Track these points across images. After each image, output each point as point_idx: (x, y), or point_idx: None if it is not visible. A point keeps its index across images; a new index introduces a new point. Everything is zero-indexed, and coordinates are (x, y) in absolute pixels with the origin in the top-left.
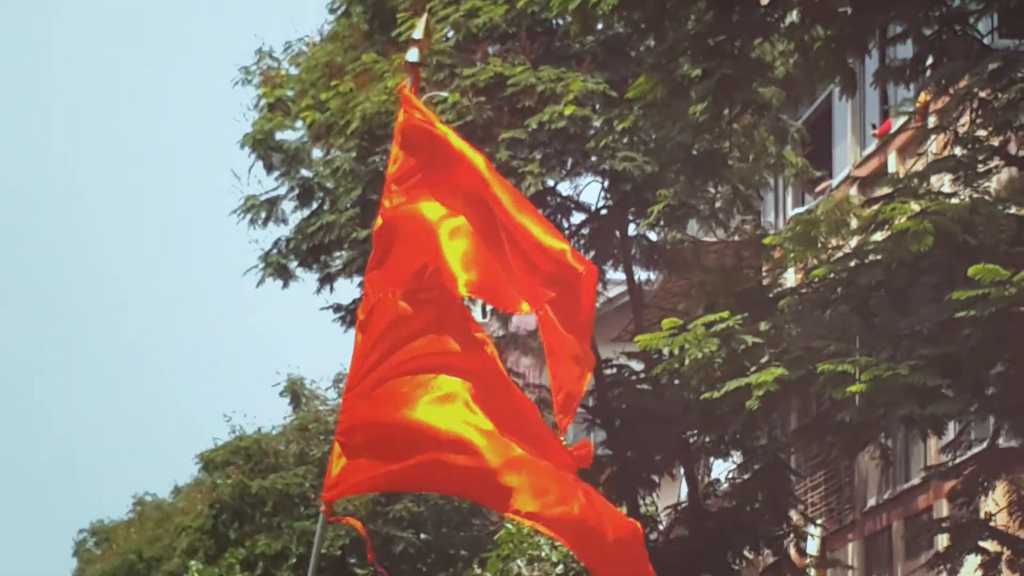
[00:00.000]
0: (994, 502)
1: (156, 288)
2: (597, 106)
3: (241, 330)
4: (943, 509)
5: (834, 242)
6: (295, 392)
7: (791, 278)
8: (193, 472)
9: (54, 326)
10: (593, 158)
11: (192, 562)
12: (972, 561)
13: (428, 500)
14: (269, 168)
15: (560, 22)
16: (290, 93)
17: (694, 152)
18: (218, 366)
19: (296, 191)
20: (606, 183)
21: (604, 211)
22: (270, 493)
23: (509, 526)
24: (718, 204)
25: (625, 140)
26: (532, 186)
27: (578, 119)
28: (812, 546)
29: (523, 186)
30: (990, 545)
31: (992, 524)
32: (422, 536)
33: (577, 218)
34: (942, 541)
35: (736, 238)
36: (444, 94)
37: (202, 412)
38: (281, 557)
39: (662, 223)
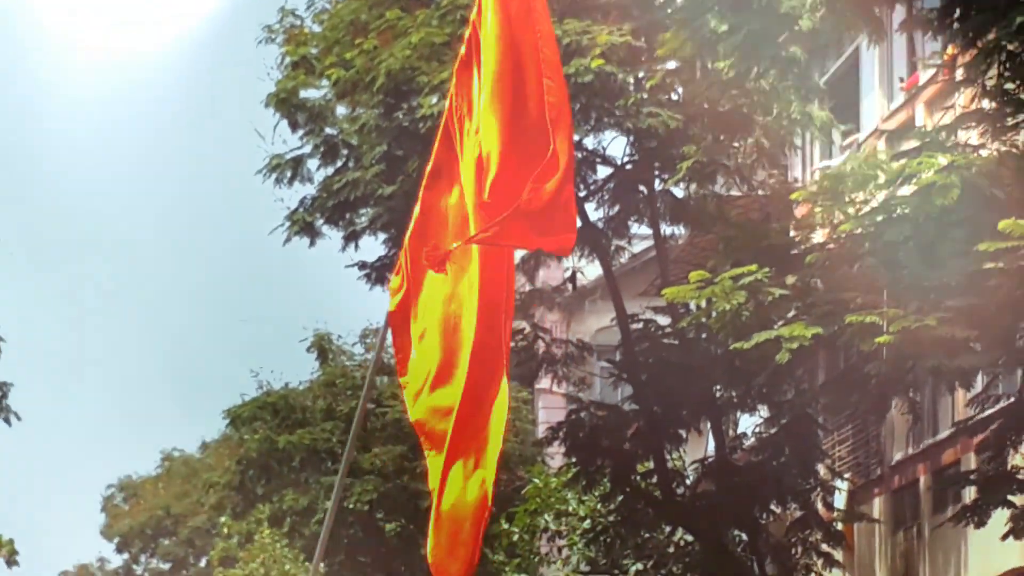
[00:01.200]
0: (1022, 456)
1: (183, 247)
2: (623, 57)
3: (268, 287)
4: (971, 463)
5: (861, 196)
6: (322, 348)
7: (819, 237)
8: (221, 428)
9: (81, 281)
10: (618, 113)
11: (223, 517)
12: (1000, 515)
13: None
14: (294, 127)
15: None
16: (314, 51)
17: (720, 108)
18: (246, 322)
19: (321, 149)
20: (631, 138)
21: (629, 166)
22: (297, 448)
23: (536, 481)
24: (743, 160)
25: (647, 96)
26: None
27: (604, 73)
28: (839, 500)
29: None
30: (1018, 499)
31: (1020, 477)
32: None
33: (603, 172)
34: (970, 494)
35: (761, 192)
36: None
37: (230, 368)
38: (308, 512)
39: (689, 179)
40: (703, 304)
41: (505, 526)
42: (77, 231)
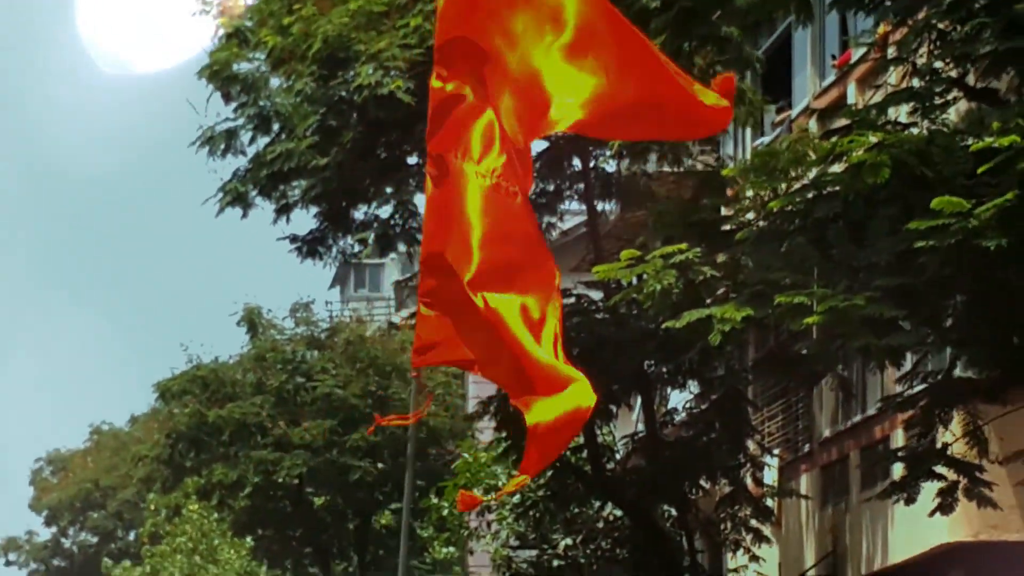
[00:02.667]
0: (951, 433)
1: (114, 218)
2: None
3: (199, 260)
4: (899, 439)
5: (793, 174)
6: (252, 322)
7: (751, 215)
8: (150, 401)
9: (9, 253)
10: None
11: (151, 495)
12: (928, 490)
13: (385, 430)
14: (227, 99)
15: None
16: (248, 24)
17: None
18: (176, 296)
19: (254, 121)
20: None
21: (562, 142)
22: (227, 422)
23: (466, 456)
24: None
25: None
26: None
27: None
28: (769, 476)
29: None
30: (947, 473)
31: (948, 454)
32: (379, 465)
33: (538, 145)
34: (898, 471)
35: (697, 167)
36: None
37: (159, 342)
38: (237, 486)
39: (624, 154)
40: (634, 281)
41: (434, 501)
42: (5, 207)
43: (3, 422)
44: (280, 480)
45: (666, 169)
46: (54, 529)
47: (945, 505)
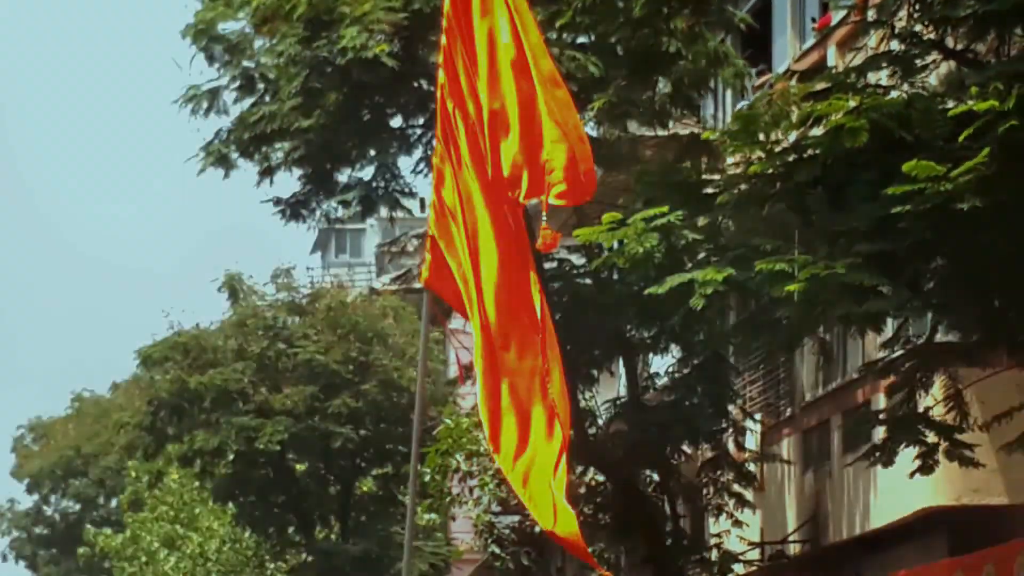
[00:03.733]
0: (932, 397)
1: (95, 181)
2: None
3: (179, 226)
4: (880, 403)
5: (773, 136)
6: (233, 288)
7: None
8: (131, 368)
9: None
10: None
11: (130, 462)
12: (910, 455)
13: (367, 396)
14: (211, 59)
15: None
16: None
17: (632, 47)
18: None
19: (238, 81)
20: None
21: None
22: (208, 389)
23: (448, 421)
24: (660, 95)
25: (570, 40)
26: None
27: None
28: (751, 440)
29: None
30: (928, 436)
31: (931, 417)
32: (360, 432)
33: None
34: (879, 434)
35: (678, 131)
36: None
37: (140, 308)
38: (219, 453)
39: (601, 120)
40: (616, 245)
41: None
42: None
43: None
44: (262, 447)
45: (648, 133)
46: (36, 497)
47: (925, 467)
